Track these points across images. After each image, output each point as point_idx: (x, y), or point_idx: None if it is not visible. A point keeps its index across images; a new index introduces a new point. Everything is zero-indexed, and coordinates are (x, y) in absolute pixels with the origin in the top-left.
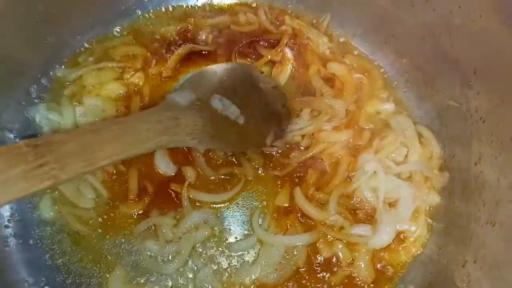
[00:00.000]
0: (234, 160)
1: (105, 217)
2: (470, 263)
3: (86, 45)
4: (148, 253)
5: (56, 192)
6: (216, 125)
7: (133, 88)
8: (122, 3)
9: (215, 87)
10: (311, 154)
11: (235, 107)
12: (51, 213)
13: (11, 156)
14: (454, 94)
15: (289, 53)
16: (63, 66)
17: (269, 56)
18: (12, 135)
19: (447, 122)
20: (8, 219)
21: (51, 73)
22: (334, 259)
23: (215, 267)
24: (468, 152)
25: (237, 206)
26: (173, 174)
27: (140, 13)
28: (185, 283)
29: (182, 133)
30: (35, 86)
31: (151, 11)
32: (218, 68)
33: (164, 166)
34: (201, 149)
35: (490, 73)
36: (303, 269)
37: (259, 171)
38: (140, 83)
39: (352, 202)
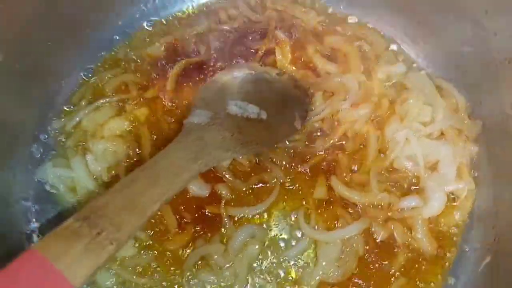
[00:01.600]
0: (261, 166)
1: (152, 259)
2: None
3: (74, 88)
4: (207, 285)
5: None
6: (244, 130)
7: (137, 120)
8: (97, 35)
9: (226, 96)
10: (336, 137)
11: (252, 106)
12: (111, 280)
13: (68, 236)
14: (467, 39)
15: (282, 36)
16: (57, 118)
17: (263, 47)
18: (29, 203)
19: (466, 69)
20: None
21: (48, 127)
22: (393, 239)
23: (276, 280)
24: (497, 96)
25: (279, 212)
26: (207, 194)
27: (119, 38)
28: None
29: (214, 150)
30: (36, 145)
31: (130, 34)
32: (220, 78)
33: (197, 188)
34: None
35: (504, 9)
36: (364, 258)
37: (290, 170)
38: (144, 115)
39: (393, 176)
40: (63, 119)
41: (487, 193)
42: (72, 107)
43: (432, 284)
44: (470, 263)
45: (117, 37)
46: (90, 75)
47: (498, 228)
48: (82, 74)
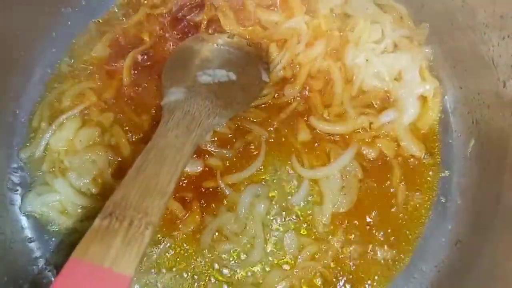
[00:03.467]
0: (242, 129)
1: (168, 251)
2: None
3: (30, 112)
4: (229, 255)
5: None
6: (220, 94)
7: (106, 123)
8: (35, 53)
9: (191, 69)
10: (302, 80)
11: (219, 70)
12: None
13: (102, 236)
14: None
15: (221, 2)
16: (24, 147)
17: (205, 17)
18: (26, 241)
19: None
20: None
21: (17, 160)
22: (383, 155)
23: (292, 228)
24: None
25: (273, 165)
26: (201, 169)
27: (56, 51)
28: (278, 257)
29: (203, 119)
30: (11, 181)
31: (70, 43)
32: (178, 55)
33: (190, 165)
34: (223, 123)
35: None
36: (365, 181)
37: (269, 124)
38: (110, 117)
39: (365, 98)
40: (29, 147)
41: (452, 85)
42: (34, 132)
43: (428, 180)
44: (457, 151)
45: (54, 50)
46: (43, 94)
47: (473, 111)
48: (34, 97)
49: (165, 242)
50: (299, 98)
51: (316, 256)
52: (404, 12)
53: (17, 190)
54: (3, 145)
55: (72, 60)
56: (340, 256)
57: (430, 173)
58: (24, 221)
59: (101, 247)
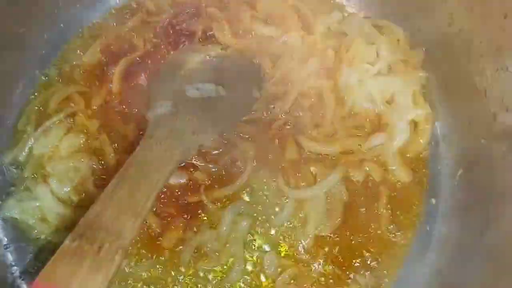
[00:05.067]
0: (229, 144)
1: (146, 268)
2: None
3: (16, 114)
4: (207, 274)
5: None
6: (208, 110)
7: (91, 130)
8: (25, 55)
9: (180, 81)
10: (292, 97)
11: (208, 84)
12: None
13: (69, 259)
14: None
15: (217, 13)
16: (7, 149)
17: (200, 27)
18: (1, 247)
19: (397, 2)
20: None
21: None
22: (370, 179)
23: (273, 248)
24: (433, 20)
25: (258, 182)
26: (184, 181)
27: (45, 52)
28: (256, 278)
29: (187, 136)
30: None
31: (61, 46)
32: (167, 66)
33: (174, 175)
34: (210, 140)
35: None
36: (350, 204)
37: (257, 140)
38: (96, 124)
39: (355, 120)
40: (13, 151)
41: (443, 112)
42: (19, 135)
43: (414, 207)
44: (445, 179)
45: (45, 52)
46: (30, 97)
47: (462, 140)
48: (21, 99)
49: (143, 258)
50: (289, 116)
51: (296, 279)
52: (401, 35)
53: None
54: None
55: (62, 64)
56: (320, 280)
57: (417, 200)
58: (2, 227)
59: (68, 271)
